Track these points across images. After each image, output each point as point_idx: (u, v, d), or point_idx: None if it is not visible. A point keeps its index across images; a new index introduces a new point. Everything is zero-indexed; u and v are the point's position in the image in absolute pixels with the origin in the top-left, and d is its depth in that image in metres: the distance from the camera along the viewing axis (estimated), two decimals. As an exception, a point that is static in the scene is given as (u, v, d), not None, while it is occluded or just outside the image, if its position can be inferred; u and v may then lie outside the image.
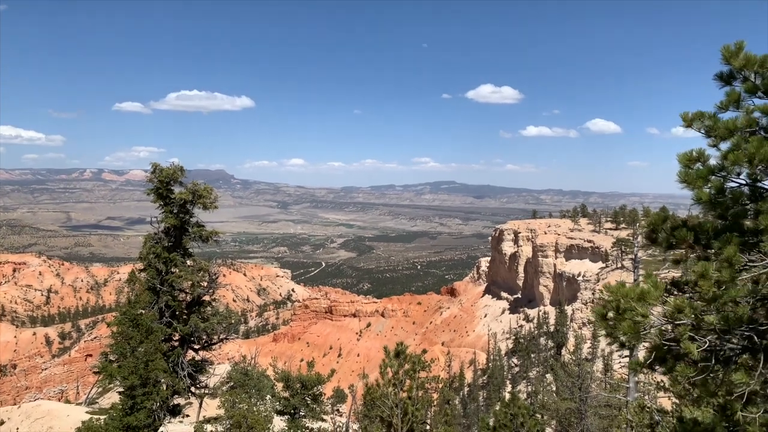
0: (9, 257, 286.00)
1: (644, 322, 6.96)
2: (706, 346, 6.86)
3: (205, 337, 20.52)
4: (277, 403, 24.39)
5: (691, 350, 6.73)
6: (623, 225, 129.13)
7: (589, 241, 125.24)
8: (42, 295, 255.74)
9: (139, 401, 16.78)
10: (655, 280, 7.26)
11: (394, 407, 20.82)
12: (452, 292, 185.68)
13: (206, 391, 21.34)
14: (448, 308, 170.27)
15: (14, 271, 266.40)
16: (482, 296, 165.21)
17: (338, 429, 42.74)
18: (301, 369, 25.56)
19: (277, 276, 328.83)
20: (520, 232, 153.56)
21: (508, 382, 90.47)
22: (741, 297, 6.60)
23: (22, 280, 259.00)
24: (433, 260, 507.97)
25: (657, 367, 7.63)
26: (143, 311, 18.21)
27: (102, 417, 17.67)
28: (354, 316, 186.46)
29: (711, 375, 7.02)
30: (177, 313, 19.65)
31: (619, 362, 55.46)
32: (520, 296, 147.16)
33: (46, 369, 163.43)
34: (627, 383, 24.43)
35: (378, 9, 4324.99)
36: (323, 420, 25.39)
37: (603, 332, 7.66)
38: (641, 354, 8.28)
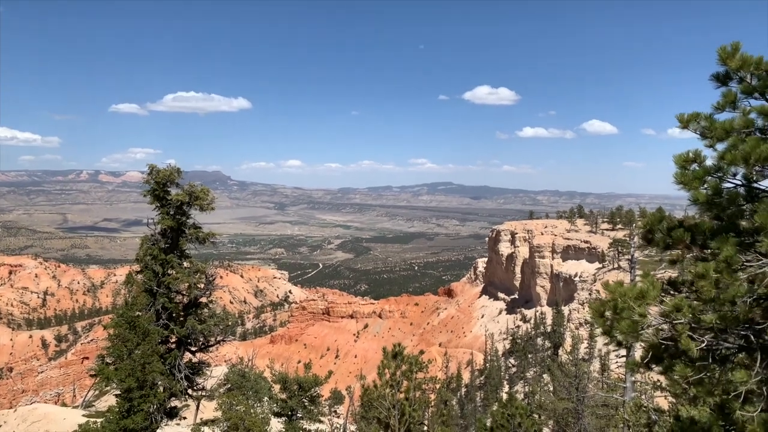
0: (5, 259, 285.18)
1: (642, 321, 6.98)
2: (704, 345, 6.89)
3: (202, 339, 20.48)
4: (275, 405, 24.37)
5: (690, 348, 6.75)
6: (620, 226, 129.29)
7: (586, 242, 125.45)
8: (38, 297, 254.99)
9: (136, 404, 16.74)
10: (652, 279, 7.29)
11: (391, 408, 20.82)
12: (449, 293, 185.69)
13: (203, 394, 21.29)
14: (446, 309, 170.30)
15: (10, 273, 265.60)
16: (479, 297, 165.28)
17: (336, 430, 42.73)
18: (299, 371, 25.57)
19: (275, 277, 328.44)
20: (517, 233, 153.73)
21: (505, 382, 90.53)
22: (738, 297, 6.63)
23: (18, 282, 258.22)
24: (430, 261, 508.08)
25: (653, 366, 7.66)
26: (140, 313, 18.17)
27: (99, 420, 17.62)
28: (351, 317, 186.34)
29: (707, 374, 7.05)
30: (174, 315, 19.61)
31: (616, 362, 55.53)
32: (517, 297, 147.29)
33: (42, 372, 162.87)
34: (624, 383, 24.48)
35: (375, 10, 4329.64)
36: (321, 422, 25.38)
37: (600, 330, 7.69)
38: (638, 354, 8.30)
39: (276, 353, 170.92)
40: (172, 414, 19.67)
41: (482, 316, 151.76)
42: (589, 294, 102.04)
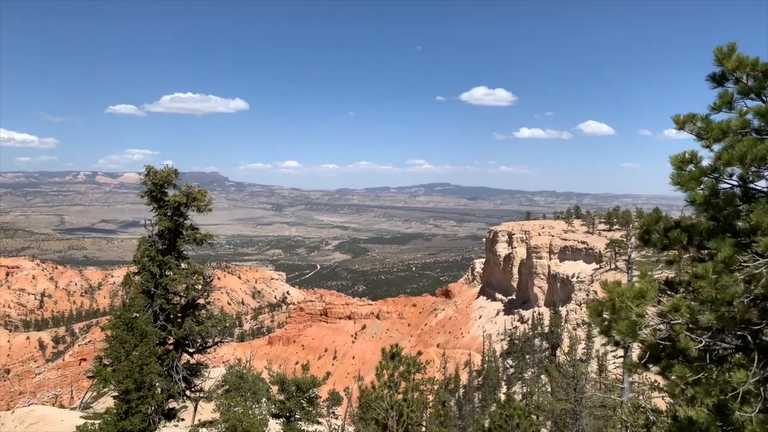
0: (2, 261, 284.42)
1: (641, 321, 7.00)
2: (701, 345, 6.90)
3: (199, 340, 20.46)
4: (273, 406, 24.34)
5: (690, 347, 6.77)
6: (617, 226, 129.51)
7: (583, 243, 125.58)
8: (35, 299, 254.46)
9: (133, 405, 16.71)
10: (650, 279, 7.31)
11: (389, 409, 20.83)
12: (447, 294, 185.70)
13: (201, 395, 21.26)
14: (443, 310, 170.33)
15: (7, 275, 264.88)
16: (477, 298, 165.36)
17: (334, 431, 42.70)
18: (297, 372, 25.55)
19: (272, 278, 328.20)
20: (514, 234, 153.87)
21: (503, 383, 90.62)
22: (736, 297, 6.64)
23: (16, 284, 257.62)
24: (427, 262, 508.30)
25: (651, 366, 7.67)
26: (137, 315, 18.15)
27: (96, 421, 17.59)
28: (349, 318, 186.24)
29: (705, 374, 7.06)
30: (171, 316, 19.59)
31: (614, 363, 55.60)
32: (514, 297, 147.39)
33: (39, 374, 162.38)
34: (622, 384, 24.50)
35: (373, 11, 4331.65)
36: (319, 423, 25.36)
37: (597, 329, 7.70)
38: (635, 354, 8.31)
39: (274, 354, 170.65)
40: (170, 415, 19.64)
41: (480, 317, 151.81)
42: (587, 295, 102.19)
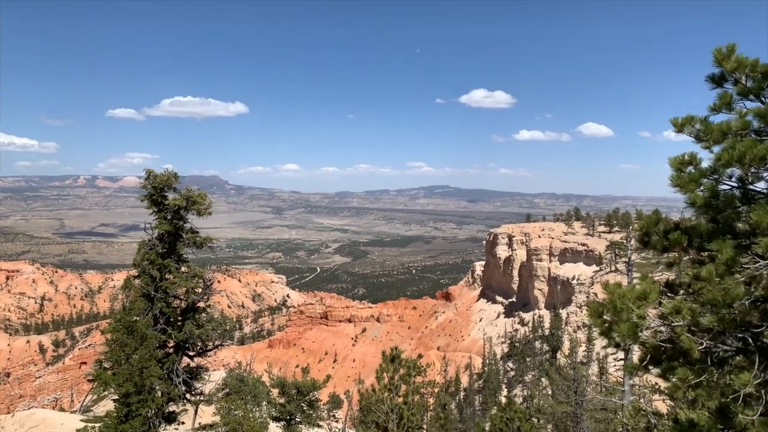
0: (2, 265, 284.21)
1: (642, 323, 6.98)
2: (702, 347, 6.89)
3: (200, 343, 20.45)
4: (273, 410, 24.31)
5: (692, 349, 6.76)
6: (616, 228, 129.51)
7: (583, 245, 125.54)
8: (35, 302, 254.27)
9: (134, 409, 16.69)
10: (652, 281, 7.30)
11: (389, 412, 20.80)
12: (447, 297, 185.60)
13: (202, 398, 21.25)
14: (444, 313, 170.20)
15: (7, 278, 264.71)
16: (477, 300, 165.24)
17: (334, 435, 42.63)
18: (297, 375, 25.51)
19: (272, 282, 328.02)
20: (514, 236, 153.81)
21: (503, 386, 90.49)
22: (737, 299, 6.64)
23: (16, 287, 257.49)
24: (427, 265, 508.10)
25: (652, 368, 7.66)
26: (138, 318, 18.14)
27: (97, 425, 17.56)
28: (349, 321, 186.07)
29: (706, 377, 7.05)
30: (172, 319, 19.58)
31: (615, 365, 55.54)
32: (514, 300, 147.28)
33: (40, 377, 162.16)
34: (622, 386, 24.46)
35: (372, 14, 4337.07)
36: (319, 426, 25.33)
37: (598, 331, 7.69)
38: (636, 357, 8.30)
39: (274, 357, 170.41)
40: (170, 419, 19.62)
41: (480, 320, 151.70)
42: (587, 297, 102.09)
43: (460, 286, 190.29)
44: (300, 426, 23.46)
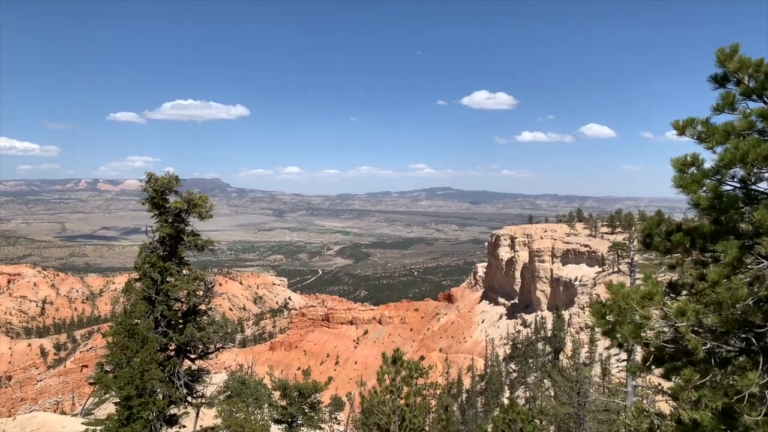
0: (3, 268, 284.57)
1: (646, 323, 6.96)
2: (706, 347, 6.86)
3: (201, 346, 20.41)
4: (275, 412, 24.27)
5: (698, 349, 6.73)
6: (619, 229, 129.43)
7: (586, 246, 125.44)
8: (37, 306, 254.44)
9: (135, 412, 16.67)
10: (656, 281, 7.27)
11: (391, 414, 20.76)
12: (449, 299, 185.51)
13: (203, 401, 21.20)
14: (446, 314, 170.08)
15: (9, 282, 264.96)
16: (479, 302, 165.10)
17: (336, 437, 42.59)
18: (298, 377, 25.49)
19: (274, 284, 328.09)
20: (516, 238, 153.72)
21: (506, 387, 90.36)
22: (741, 300, 6.61)
23: (17, 291, 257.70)
24: (429, 266, 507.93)
25: (654, 368, 7.63)
26: (139, 321, 18.11)
27: (98, 428, 17.54)
28: (351, 323, 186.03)
29: (710, 377, 7.02)
30: (173, 322, 19.55)
31: (617, 366, 55.42)
32: (517, 301, 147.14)
33: (41, 380, 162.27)
34: (625, 387, 24.40)
35: (373, 17, 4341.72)
36: (321, 428, 25.26)
37: (600, 330, 7.66)
38: (638, 357, 8.26)
39: (276, 360, 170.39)
40: (172, 422, 19.58)
41: (482, 321, 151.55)
42: (590, 298, 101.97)
43: (462, 288, 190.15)
44: (302, 428, 23.42)
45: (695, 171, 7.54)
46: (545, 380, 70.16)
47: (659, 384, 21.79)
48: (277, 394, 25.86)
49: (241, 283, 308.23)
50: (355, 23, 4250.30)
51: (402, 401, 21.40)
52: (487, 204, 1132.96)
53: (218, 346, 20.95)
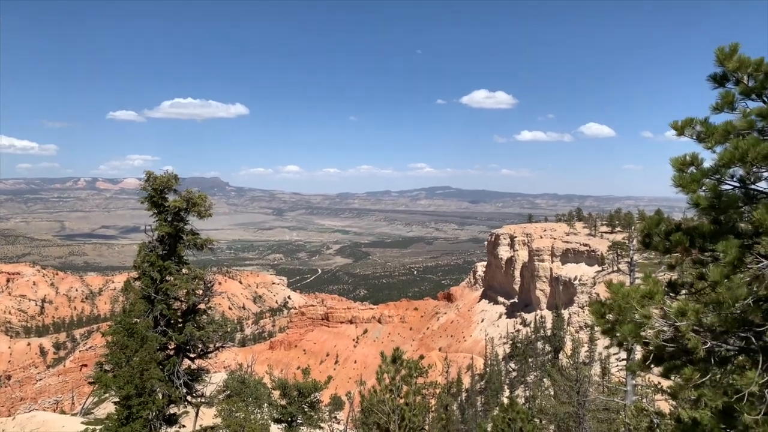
0: (2, 267, 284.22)
1: (647, 323, 6.96)
2: (705, 347, 6.86)
3: (200, 345, 20.41)
4: (275, 411, 24.27)
5: (698, 348, 6.73)
6: (619, 228, 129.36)
7: (585, 245, 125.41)
8: (36, 305, 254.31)
9: (134, 411, 16.66)
10: (656, 280, 7.27)
11: (391, 413, 20.76)
12: (449, 298, 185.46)
13: (203, 400, 21.20)
14: (445, 313, 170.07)
15: (8, 281, 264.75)
16: (479, 301, 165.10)
17: (336, 436, 42.59)
18: (298, 376, 25.48)
19: (273, 283, 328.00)
20: (516, 237, 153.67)
21: (505, 386, 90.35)
22: (740, 299, 6.61)
23: (16, 290, 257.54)
24: (429, 265, 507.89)
25: (653, 367, 7.64)
26: (138, 320, 18.10)
27: (98, 427, 17.53)
28: (351, 322, 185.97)
29: (710, 376, 7.02)
30: (172, 321, 19.54)
31: (617, 365, 55.43)
32: (516, 301, 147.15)
33: (40, 379, 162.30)
34: (625, 386, 24.43)
35: (373, 16, 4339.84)
36: (321, 428, 25.27)
37: (600, 329, 7.66)
38: (638, 356, 8.27)
39: (275, 359, 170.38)
40: (171, 421, 19.58)
41: (482, 321, 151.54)
42: (589, 297, 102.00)
43: (461, 287, 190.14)
44: (301, 427, 23.42)
45: (695, 170, 7.54)
46: (545, 379, 70.17)
47: (659, 383, 21.82)
48: (276, 394, 25.86)
49: (240, 282, 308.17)
50: (354, 23, 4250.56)
51: (401, 400, 21.40)
52: (487, 203, 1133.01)
53: (218, 345, 20.95)
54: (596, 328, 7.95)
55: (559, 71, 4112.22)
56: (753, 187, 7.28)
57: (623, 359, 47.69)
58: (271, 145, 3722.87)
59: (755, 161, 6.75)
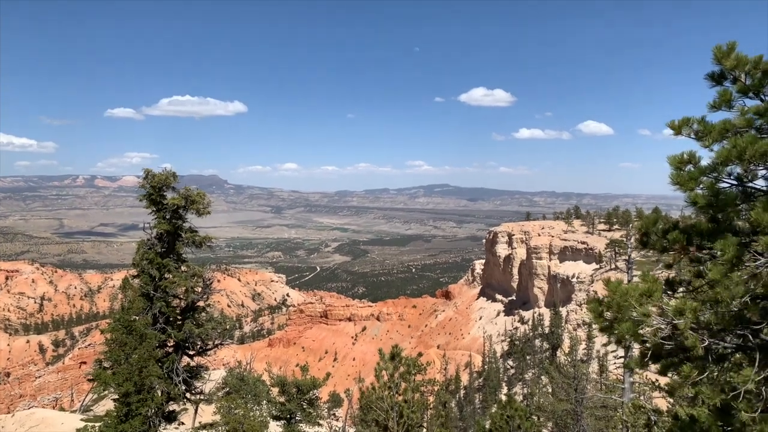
0: (1, 265, 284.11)
1: (645, 321, 6.98)
2: (703, 344, 6.89)
3: (199, 342, 20.43)
4: (273, 409, 24.29)
5: (696, 346, 6.76)
6: (616, 226, 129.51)
7: (583, 243, 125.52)
8: (35, 302, 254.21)
9: (134, 408, 16.69)
10: (654, 278, 7.29)
11: (389, 410, 20.80)
12: (447, 295, 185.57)
13: (202, 397, 21.24)
14: (444, 311, 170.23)
15: (7, 278, 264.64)
16: (477, 299, 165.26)
17: (334, 433, 42.63)
18: (296, 374, 25.49)
19: (272, 281, 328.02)
20: (514, 235, 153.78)
21: (503, 384, 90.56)
22: (738, 297, 6.64)
23: (15, 287, 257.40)
24: (427, 263, 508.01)
25: (651, 364, 7.67)
26: (137, 317, 18.13)
27: (97, 424, 17.56)
28: (349, 320, 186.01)
29: (708, 374, 7.05)
30: (171, 319, 19.56)
31: (615, 363, 55.55)
32: (514, 298, 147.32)
33: (39, 377, 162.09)
34: (622, 384, 24.49)
35: (371, 13, 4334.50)
36: (320, 425, 25.31)
37: (597, 327, 7.69)
38: (635, 354, 8.30)
39: (274, 356, 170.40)
40: (170, 418, 19.62)
41: (480, 318, 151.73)
42: (587, 295, 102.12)
43: (459, 285, 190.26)
44: (300, 425, 23.46)
45: (692, 168, 7.55)
46: (543, 377, 70.28)
47: (656, 380, 21.88)
48: (275, 391, 25.88)
49: (239, 280, 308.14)
50: (353, 20, 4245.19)
51: (400, 397, 21.43)
52: (485, 201, 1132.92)
53: (217, 342, 20.98)
54: (594, 326, 7.97)
55: (557, 69, 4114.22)
56: (750, 185, 7.29)
57: (621, 357, 47.78)
58: (270, 142, 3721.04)
59: (753, 159, 6.76)
